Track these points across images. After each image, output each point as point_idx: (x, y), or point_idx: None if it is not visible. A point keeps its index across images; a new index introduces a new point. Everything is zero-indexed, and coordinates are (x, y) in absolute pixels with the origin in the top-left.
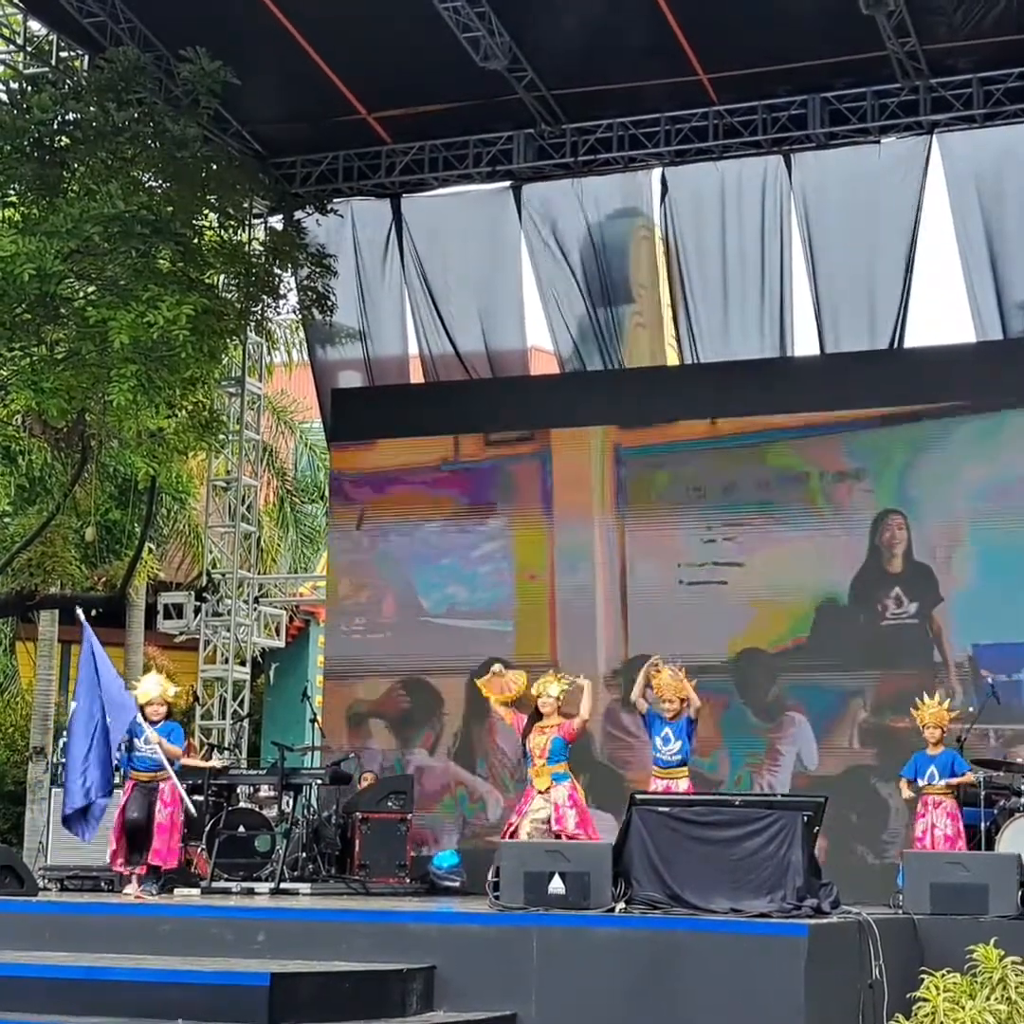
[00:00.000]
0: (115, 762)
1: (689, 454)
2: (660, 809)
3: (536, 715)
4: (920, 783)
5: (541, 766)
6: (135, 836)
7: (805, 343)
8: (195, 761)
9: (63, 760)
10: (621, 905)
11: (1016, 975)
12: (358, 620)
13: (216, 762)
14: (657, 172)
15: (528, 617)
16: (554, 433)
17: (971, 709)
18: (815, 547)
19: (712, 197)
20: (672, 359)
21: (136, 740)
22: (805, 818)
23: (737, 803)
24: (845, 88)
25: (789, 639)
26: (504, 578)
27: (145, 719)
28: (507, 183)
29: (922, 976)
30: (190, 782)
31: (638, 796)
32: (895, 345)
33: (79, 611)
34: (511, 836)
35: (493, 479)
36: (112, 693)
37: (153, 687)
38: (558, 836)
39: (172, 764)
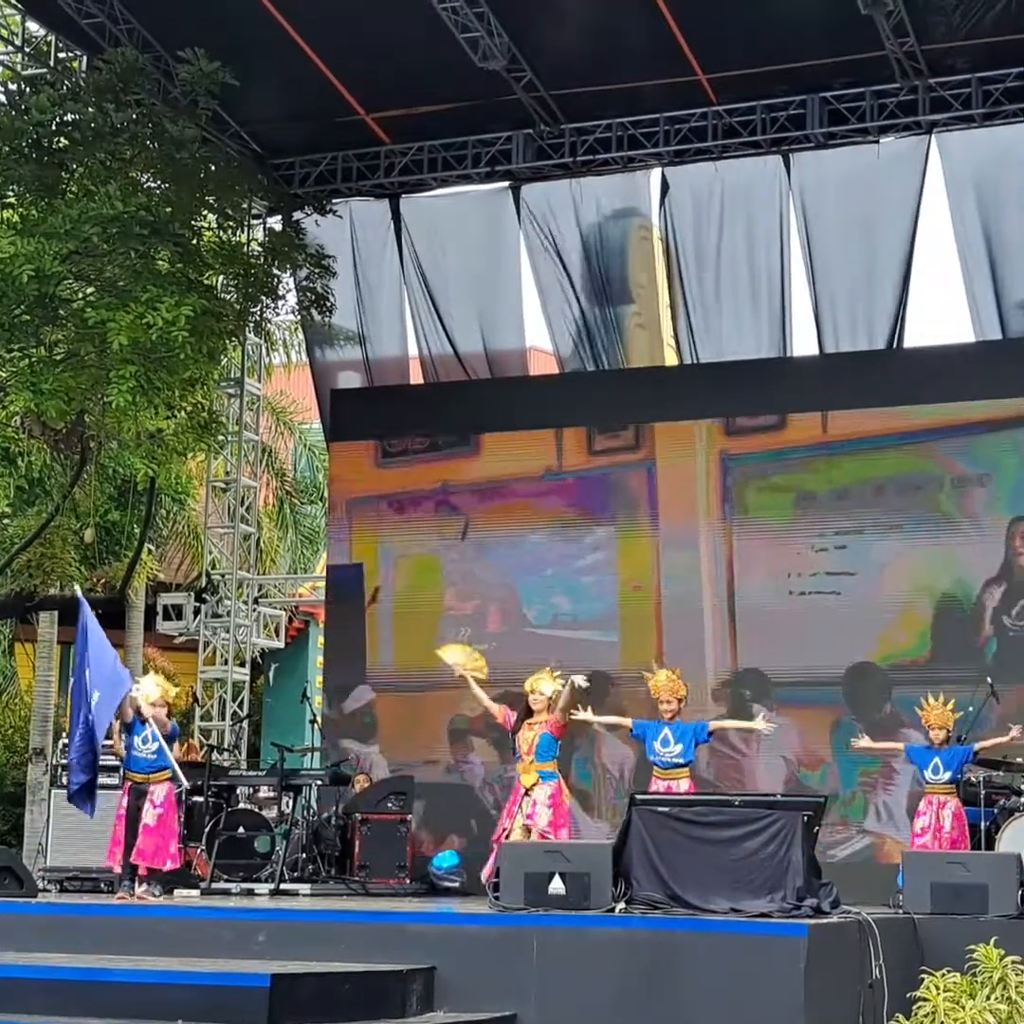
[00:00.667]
0: (105, 737)
1: (798, 460)
2: (660, 809)
3: (526, 712)
4: (927, 776)
5: (529, 762)
6: (131, 842)
7: (804, 343)
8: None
9: (63, 761)
10: (621, 905)
11: (1016, 975)
12: (464, 630)
13: (198, 757)
14: (656, 172)
15: (633, 628)
16: (659, 440)
17: (970, 709)
18: (936, 555)
19: (711, 197)
20: (671, 359)
21: (134, 738)
22: (805, 818)
23: (737, 803)
24: (844, 88)
25: (905, 653)
26: (608, 589)
27: (143, 719)
28: (506, 183)
29: (922, 976)
30: (190, 783)
31: (638, 796)
32: (893, 345)
33: (78, 590)
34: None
35: (597, 488)
36: (104, 668)
37: (152, 688)
38: (527, 831)
39: (165, 770)
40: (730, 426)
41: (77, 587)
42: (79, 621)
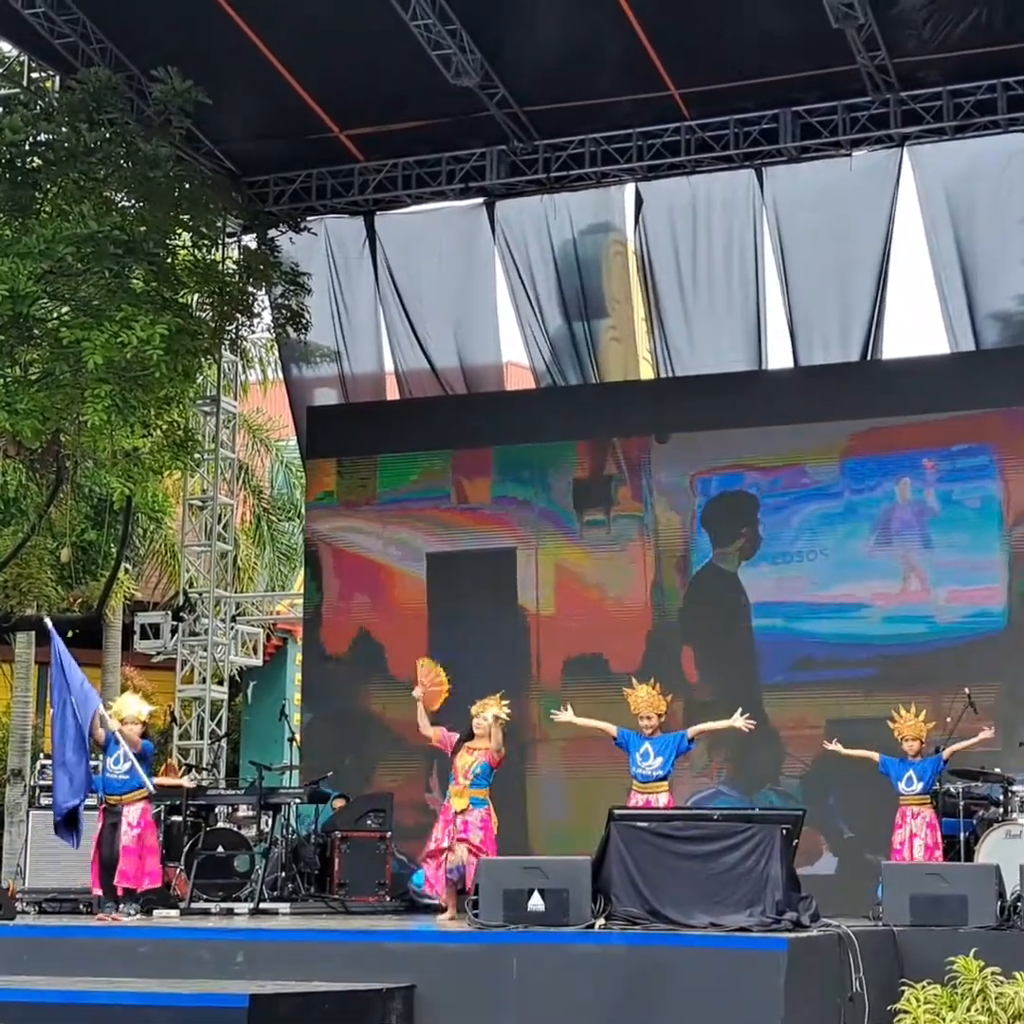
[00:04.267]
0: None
1: None
2: (639, 824)
3: (468, 735)
4: (901, 788)
5: (463, 786)
6: (109, 866)
7: (778, 356)
8: (170, 779)
9: (42, 782)
10: (600, 921)
11: (996, 986)
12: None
13: (187, 781)
14: (630, 187)
15: None
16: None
17: (948, 720)
18: None
19: (685, 211)
20: (646, 373)
21: (107, 759)
22: (784, 831)
23: (716, 817)
24: (816, 102)
25: None
26: None
27: (119, 738)
28: (480, 200)
29: (902, 988)
30: (168, 803)
31: (616, 811)
32: (868, 357)
33: (47, 619)
34: (440, 856)
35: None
36: (75, 688)
37: (128, 707)
38: (458, 842)
39: (140, 789)
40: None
41: (46, 619)
42: (51, 649)
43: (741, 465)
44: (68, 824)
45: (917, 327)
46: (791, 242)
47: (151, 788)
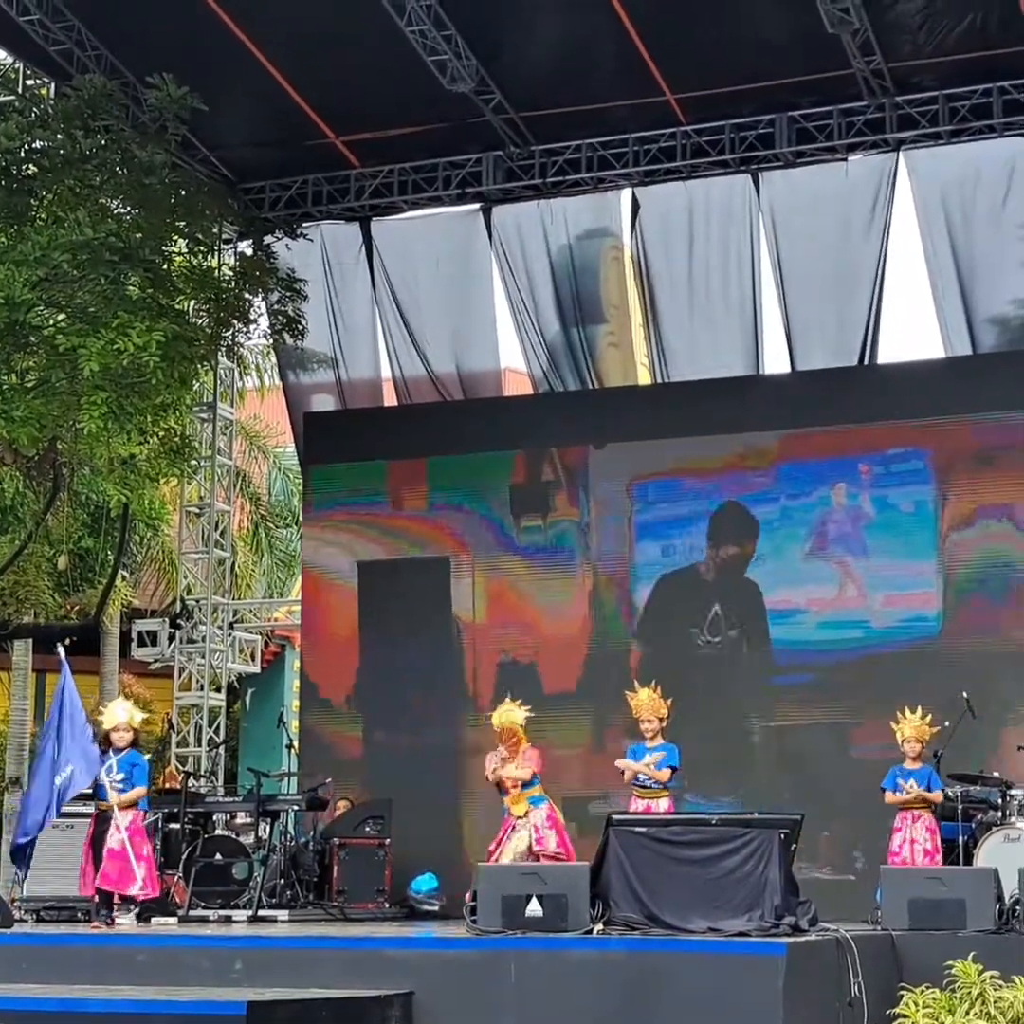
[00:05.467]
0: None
1: None
2: (637, 830)
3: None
4: (901, 798)
5: (516, 794)
6: (99, 869)
7: (775, 360)
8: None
9: None
10: (599, 927)
11: (995, 990)
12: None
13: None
14: (626, 192)
15: None
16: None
17: (946, 724)
18: None
19: (681, 216)
20: (644, 378)
21: (101, 769)
22: (782, 836)
23: (714, 822)
24: (811, 107)
25: None
26: None
27: (109, 745)
28: (477, 205)
29: (901, 992)
30: (166, 810)
31: (615, 817)
32: (865, 362)
33: (61, 650)
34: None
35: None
36: (82, 741)
37: (119, 713)
38: (538, 858)
39: (144, 776)
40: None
41: (61, 649)
42: (60, 680)
43: (680, 470)
44: (15, 856)
45: (914, 332)
46: (787, 247)
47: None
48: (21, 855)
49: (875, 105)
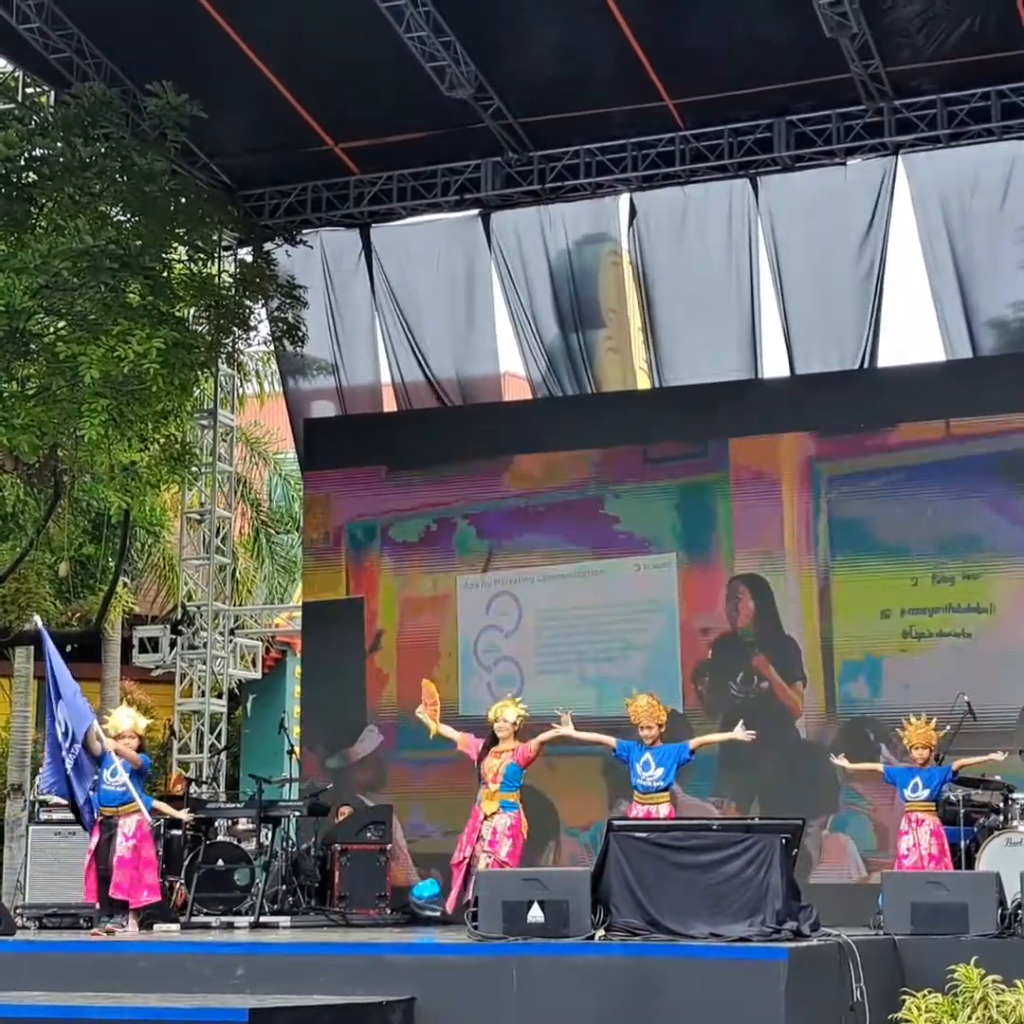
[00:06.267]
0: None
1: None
2: (638, 835)
3: (492, 740)
4: (907, 795)
5: (494, 790)
6: (104, 876)
7: (774, 364)
8: (166, 808)
9: (41, 798)
10: (600, 932)
11: (997, 994)
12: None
13: (185, 815)
14: (625, 197)
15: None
16: (735, 453)
17: (947, 728)
18: None
19: (680, 221)
20: (643, 382)
21: (103, 771)
22: (783, 841)
23: (715, 827)
24: (810, 111)
25: None
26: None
27: (115, 752)
28: (475, 211)
29: (903, 997)
30: (168, 816)
31: (616, 822)
32: (865, 365)
33: (39, 623)
34: (467, 868)
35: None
36: (67, 698)
37: (124, 720)
38: (487, 856)
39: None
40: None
41: (37, 619)
42: (45, 654)
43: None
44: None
45: (914, 335)
46: (786, 251)
47: (149, 816)
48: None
49: (873, 109)
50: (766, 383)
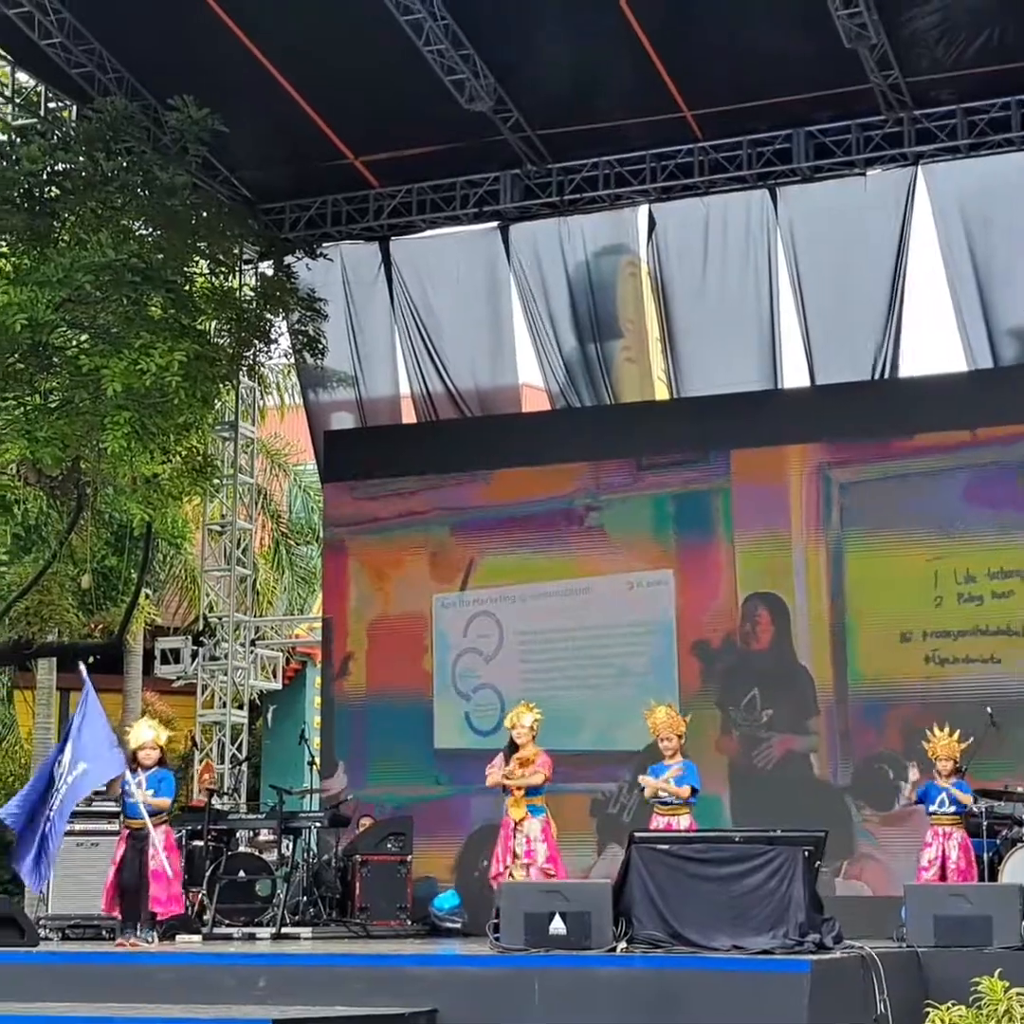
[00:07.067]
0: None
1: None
2: (659, 847)
3: (512, 747)
4: (932, 808)
5: (519, 797)
6: (128, 892)
7: (794, 375)
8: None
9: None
10: (622, 945)
11: (1021, 1006)
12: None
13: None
14: (643, 209)
15: None
16: (738, 463)
17: (971, 740)
18: None
19: (699, 232)
20: (661, 393)
21: (130, 785)
22: (806, 853)
23: (737, 839)
24: (829, 121)
25: None
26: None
27: (137, 764)
28: (494, 223)
29: (927, 1009)
30: (190, 827)
31: (637, 834)
32: (885, 375)
33: (82, 667)
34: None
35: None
36: (98, 744)
37: (145, 732)
38: (526, 869)
39: (161, 813)
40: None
41: (82, 667)
42: (81, 695)
43: None
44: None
45: (935, 345)
46: (806, 261)
47: (148, 820)
48: (33, 878)
49: (893, 119)
50: (782, 393)
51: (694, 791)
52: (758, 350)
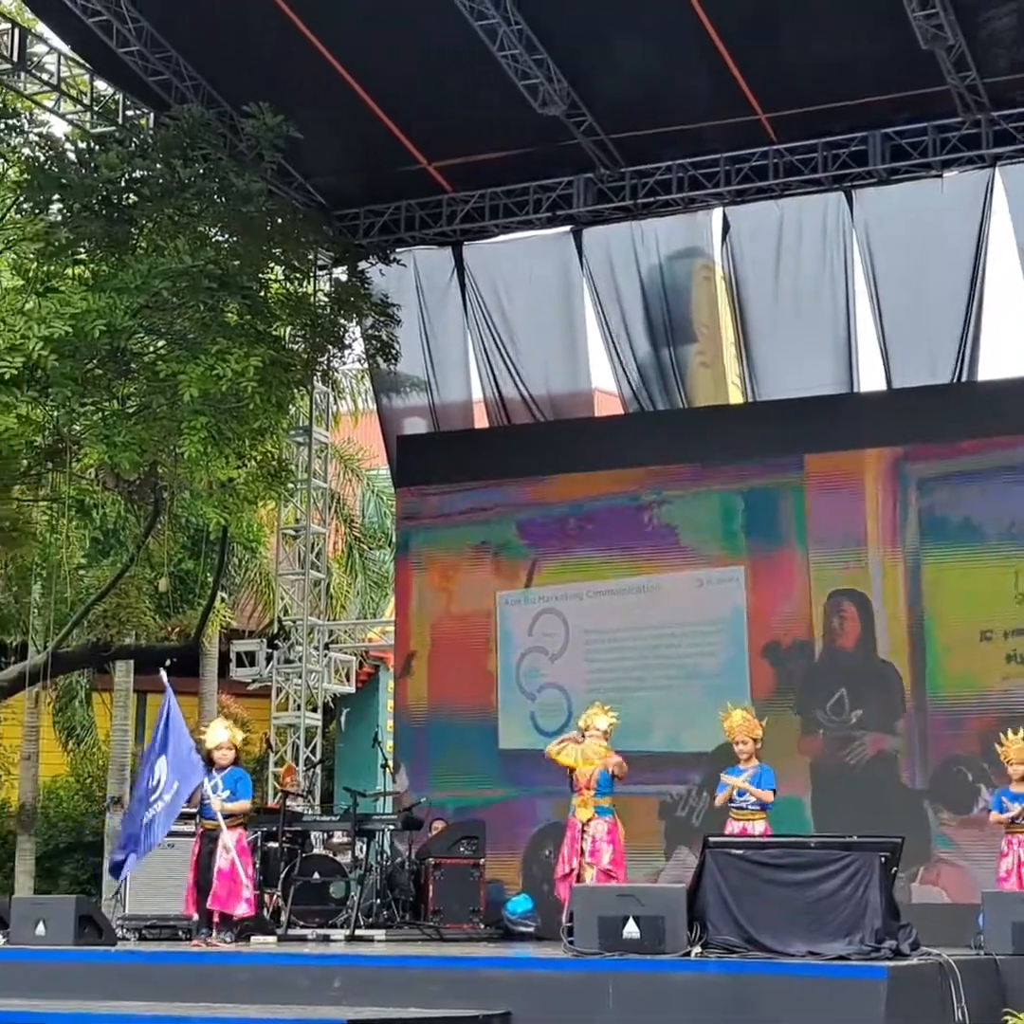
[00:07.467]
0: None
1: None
2: (734, 852)
3: None
4: (1006, 817)
5: (588, 796)
6: (205, 888)
7: (870, 379)
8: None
9: None
10: (697, 949)
11: None
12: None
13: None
14: (717, 212)
15: None
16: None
17: None
18: None
19: (773, 235)
20: (736, 397)
21: (206, 786)
22: (882, 859)
23: (813, 845)
24: (905, 123)
25: None
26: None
27: (212, 764)
28: (567, 228)
29: (1006, 1017)
30: (264, 830)
31: (712, 839)
32: (963, 378)
33: (164, 673)
34: (575, 880)
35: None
36: (181, 757)
37: (221, 732)
38: (589, 868)
39: (237, 815)
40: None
41: (164, 673)
42: (163, 702)
43: None
44: (114, 871)
45: (1013, 347)
46: (882, 264)
47: (222, 822)
48: (116, 871)
49: (970, 121)
50: (858, 397)
51: (773, 793)
52: (833, 353)
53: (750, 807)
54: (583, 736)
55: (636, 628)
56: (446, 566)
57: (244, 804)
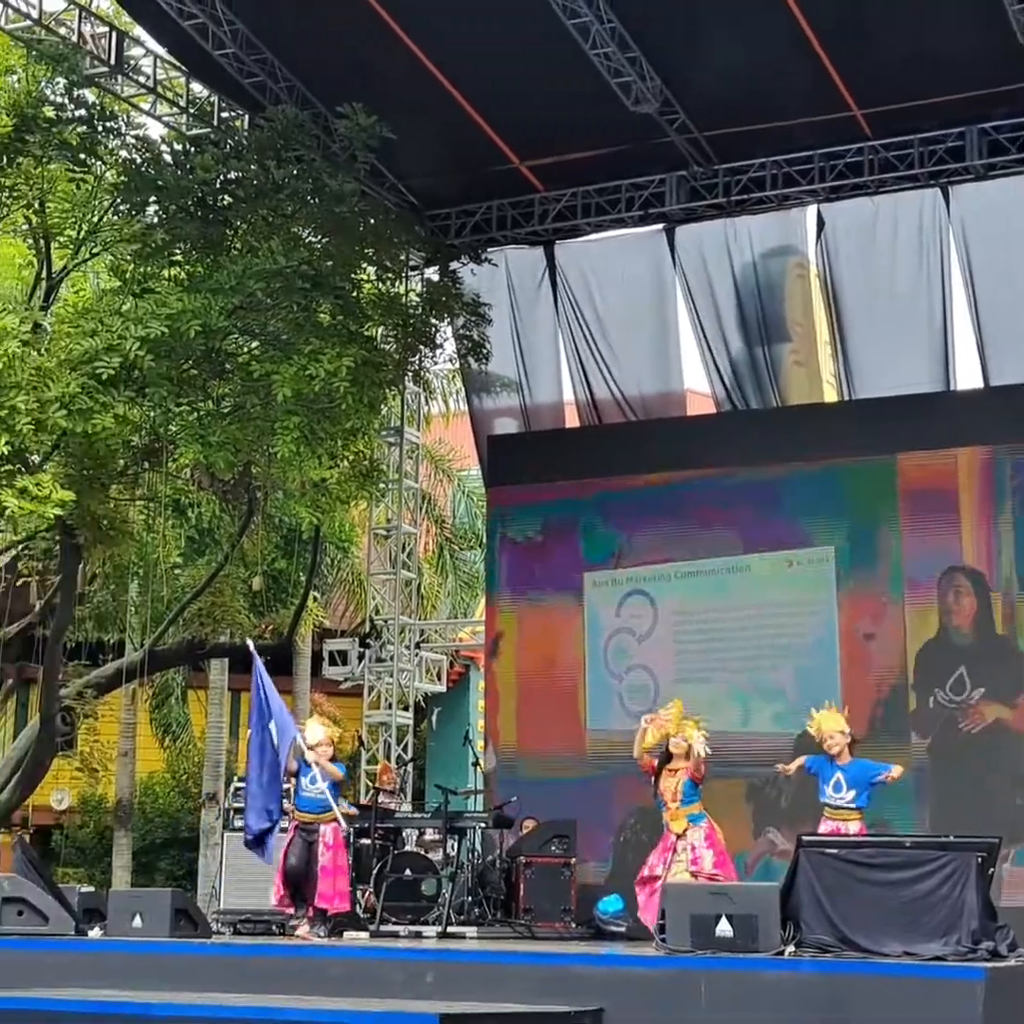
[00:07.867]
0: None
1: None
2: (828, 851)
3: (666, 757)
4: None
5: (676, 809)
6: (297, 881)
7: (968, 376)
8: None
9: (236, 805)
10: (790, 948)
11: None
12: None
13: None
14: (812, 209)
15: None
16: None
17: None
18: None
19: (868, 232)
20: (830, 396)
21: (302, 779)
22: (979, 859)
23: (908, 845)
24: (1003, 118)
25: None
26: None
27: (309, 762)
28: (660, 226)
29: None
30: (357, 826)
31: (805, 838)
32: None
33: (249, 642)
34: (655, 884)
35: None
36: (275, 713)
37: (318, 730)
38: (695, 877)
39: (335, 789)
40: None
41: (249, 641)
42: (253, 672)
43: None
44: (258, 844)
45: None
46: (979, 261)
47: (344, 823)
48: (257, 845)
49: None
50: (954, 395)
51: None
52: (929, 351)
53: (845, 806)
54: (666, 744)
55: (724, 609)
56: (532, 545)
57: (336, 772)
